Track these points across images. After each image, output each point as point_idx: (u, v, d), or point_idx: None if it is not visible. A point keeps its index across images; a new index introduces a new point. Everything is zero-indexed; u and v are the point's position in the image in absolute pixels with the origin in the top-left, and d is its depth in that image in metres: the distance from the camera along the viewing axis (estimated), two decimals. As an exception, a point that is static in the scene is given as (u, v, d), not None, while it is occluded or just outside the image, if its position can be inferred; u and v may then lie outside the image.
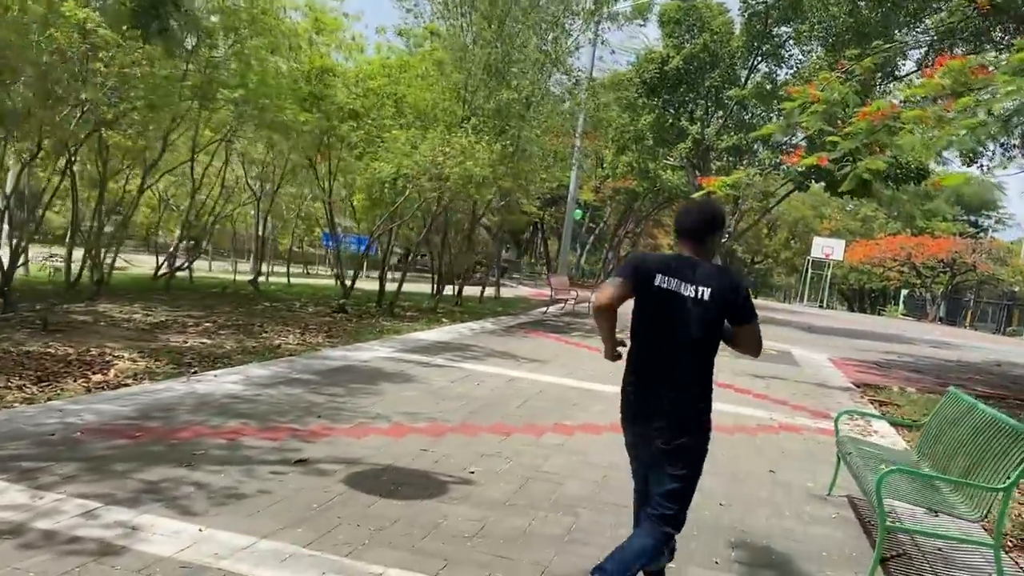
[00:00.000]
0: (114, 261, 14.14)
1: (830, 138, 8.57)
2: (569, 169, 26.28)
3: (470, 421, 6.63)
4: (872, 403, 10.39)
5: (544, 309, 19.35)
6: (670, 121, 26.38)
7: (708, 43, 25.20)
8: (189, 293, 15.06)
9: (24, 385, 6.54)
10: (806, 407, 9.30)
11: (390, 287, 16.11)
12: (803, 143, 18.56)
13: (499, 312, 17.78)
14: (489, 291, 21.98)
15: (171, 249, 16.70)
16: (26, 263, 16.15)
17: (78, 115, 11.08)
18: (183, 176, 16.22)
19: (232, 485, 4.41)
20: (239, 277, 18.63)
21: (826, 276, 49.64)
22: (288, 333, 11.16)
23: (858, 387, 11.78)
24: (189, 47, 12.15)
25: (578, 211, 29.32)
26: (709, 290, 3.16)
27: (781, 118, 11.63)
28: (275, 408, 6.32)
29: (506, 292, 25.10)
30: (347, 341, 10.92)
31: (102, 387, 6.71)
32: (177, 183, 17.72)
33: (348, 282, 16.59)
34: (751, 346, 3.34)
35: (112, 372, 7.44)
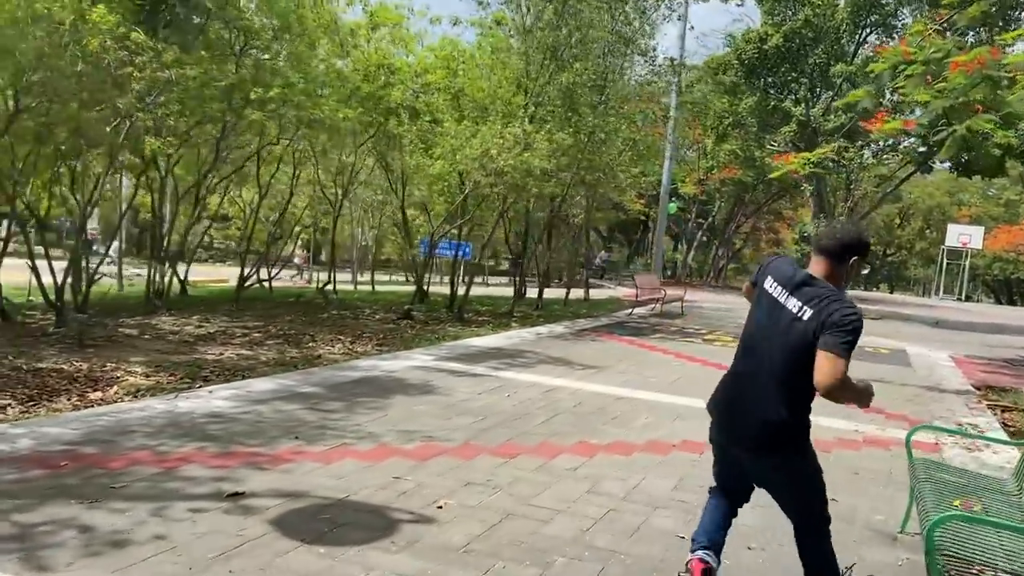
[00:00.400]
0: (177, 274, 14.09)
1: (920, 96, 7.14)
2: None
3: (475, 440, 5.74)
4: (992, 409, 8.79)
5: (629, 311, 18.16)
6: (772, 104, 24.58)
7: (810, 18, 23.30)
8: (260, 303, 14.85)
9: (8, 405, 6.16)
10: (905, 416, 7.88)
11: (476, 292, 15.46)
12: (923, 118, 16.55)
13: (581, 315, 16.74)
14: (579, 293, 20.97)
15: (246, 260, 16.60)
16: (120, 279, 16.61)
17: (127, 126, 10.94)
18: (264, 187, 16.07)
19: (126, 528, 3.70)
20: (338, 287, 18.22)
21: (964, 266, 45.55)
22: (337, 342, 10.61)
23: (979, 390, 10.11)
24: (237, 49, 11.82)
25: (672, 204, 27.72)
26: (812, 311, 2.84)
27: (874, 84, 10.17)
28: (252, 428, 5.63)
29: (599, 293, 24.00)
30: (396, 348, 10.26)
31: (92, 405, 6.26)
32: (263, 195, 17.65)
33: (424, 287, 16.13)
34: (816, 374, 2.78)
35: (115, 389, 7.01)
